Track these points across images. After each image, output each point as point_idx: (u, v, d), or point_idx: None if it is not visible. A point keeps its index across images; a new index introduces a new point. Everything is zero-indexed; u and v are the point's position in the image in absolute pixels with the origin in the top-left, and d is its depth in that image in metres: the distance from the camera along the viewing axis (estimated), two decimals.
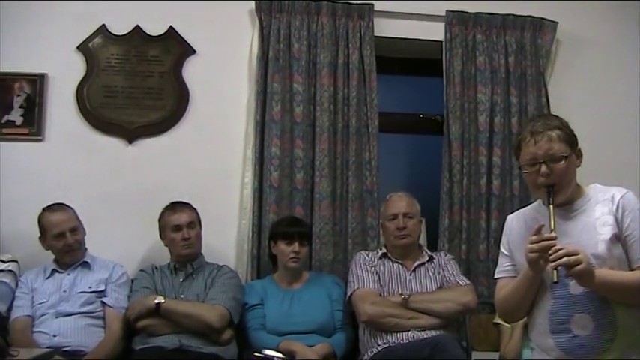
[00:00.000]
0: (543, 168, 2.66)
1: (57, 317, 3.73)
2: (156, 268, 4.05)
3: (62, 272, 3.90)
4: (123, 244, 4.23)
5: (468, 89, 4.63)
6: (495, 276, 2.97)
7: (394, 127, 4.90)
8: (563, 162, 2.67)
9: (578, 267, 2.47)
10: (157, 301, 3.72)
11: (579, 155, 2.77)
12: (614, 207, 2.68)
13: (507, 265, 2.89)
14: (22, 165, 4.30)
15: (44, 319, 3.73)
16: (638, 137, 4.67)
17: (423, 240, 4.40)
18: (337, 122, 4.48)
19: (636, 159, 4.54)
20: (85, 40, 4.43)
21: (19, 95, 4.35)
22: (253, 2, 4.47)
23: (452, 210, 4.50)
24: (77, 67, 4.42)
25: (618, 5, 4.83)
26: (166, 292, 3.89)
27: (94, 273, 3.92)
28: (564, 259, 2.47)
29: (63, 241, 3.84)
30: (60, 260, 3.93)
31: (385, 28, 4.63)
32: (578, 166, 2.77)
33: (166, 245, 4.05)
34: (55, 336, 3.66)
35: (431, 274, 3.97)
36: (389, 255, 4.04)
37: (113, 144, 4.41)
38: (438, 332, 3.67)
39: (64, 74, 4.40)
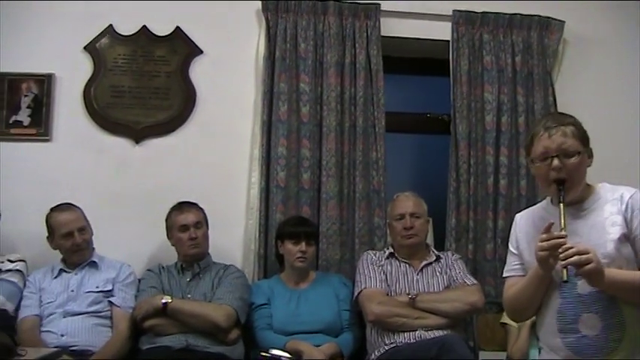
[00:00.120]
0: (555, 162, 2.65)
1: (64, 317, 3.73)
2: (163, 267, 4.05)
3: (70, 272, 3.91)
4: (130, 243, 4.23)
5: (475, 89, 4.63)
6: (504, 275, 2.96)
7: (401, 126, 4.90)
8: (575, 157, 2.67)
9: (589, 266, 2.46)
10: (163, 300, 3.73)
11: (590, 155, 2.76)
12: (623, 207, 2.67)
13: (516, 264, 2.88)
14: (30, 165, 4.31)
15: (52, 319, 3.74)
16: None
17: (430, 240, 4.39)
18: (344, 122, 4.47)
19: None
20: (92, 41, 4.44)
21: (26, 95, 4.36)
22: (260, 2, 4.47)
23: (459, 210, 4.50)
24: (84, 68, 4.43)
25: (625, 5, 4.82)
26: (173, 291, 3.89)
27: (101, 273, 3.92)
28: (575, 257, 2.46)
29: (71, 240, 3.85)
30: (67, 260, 3.94)
31: (392, 27, 4.63)
32: (589, 166, 2.75)
33: (173, 245, 4.06)
34: (62, 335, 3.67)
35: (438, 273, 3.97)
36: (396, 255, 4.03)
37: (120, 144, 4.42)
38: (445, 332, 3.67)
39: (71, 74, 4.41)
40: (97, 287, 3.85)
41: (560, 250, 2.50)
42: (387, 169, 4.48)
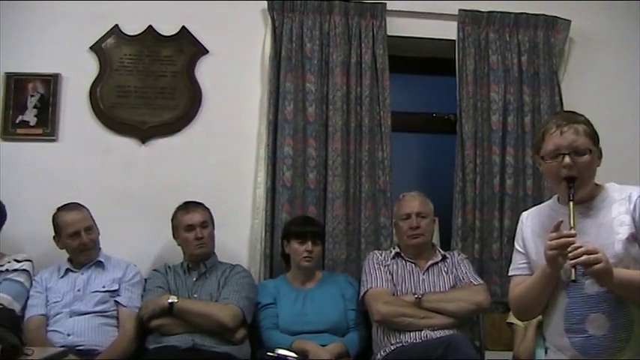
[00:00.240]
0: (567, 159, 2.63)
1: (71, 316, 3.74)
2: (169, 267, 4.06)
3: (76, 272, 3.91)
4: (136, 243, 4.24)
5: (481, 88, 4.62)
6: (509, 273, 2.94)
7: (407, 126, 4.91)
8: (587, 156, 2.65)
9: (598, 266, 2.44)
10: (170, 300, 3.74)
11: (600, 154, 2.75)
12: (632, 206, 2.65)
13: (522, 263, 2.87)
14: (36, 165, 4.32)
15: (58, 319, 3.74)
16: None
17: (436, 239, 4.38)
18: (350, 121, 4.47)
19: None
20: (98, 41, 4.45)
21: (32, 95, 4.37)
22: (266, 2, 4.47)
23: (465, 209, 4.49)
24: (90, 68, 4.44)
25: (631, 4, 4.80)
26: (179, 291, 3.90)
27: (107, 272, 3.93)
28: (584, 257, 2.44)
29: (78, 240, 3.85)
30: (74, 260, 3.94)
31: (398, 27, 4.62)
32: (598, 166, 2.74)
33: (179, 245, 4.06)
34: (69, 335, 3.68)
35: (444, 273, 3.97)
36: (402, 254, 4.03)
37: (126, 144, 4.42)
38: (451, 332, 3.67)
39: (78, 74, 4.42)
40: (104, 287, 3.86)
41: (569, 249, 2.48)
42: (393, 168, 4.48)
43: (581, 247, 2.46)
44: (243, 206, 4.41)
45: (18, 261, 3.89)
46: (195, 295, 3.90)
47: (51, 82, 4.38)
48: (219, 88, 4.52)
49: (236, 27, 4.57)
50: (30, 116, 4.36)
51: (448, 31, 4.64)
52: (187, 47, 4.52)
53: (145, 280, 4.04)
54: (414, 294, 3.81)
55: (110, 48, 4.46)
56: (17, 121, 4.35)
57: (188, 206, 4.05)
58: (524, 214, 2.98)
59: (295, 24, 4.48)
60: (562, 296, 2.69)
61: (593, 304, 2.62)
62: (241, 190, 4.42)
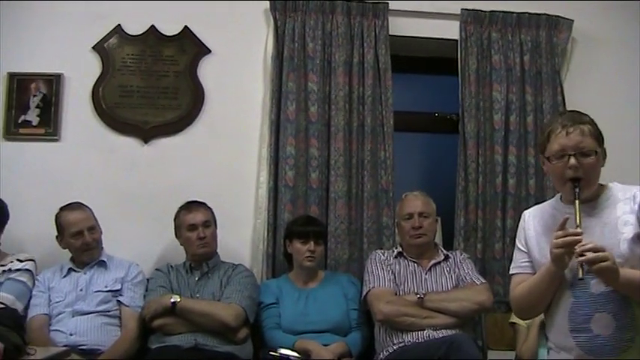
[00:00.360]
0: (572, 160, 2.63)
1: (73, 316, 3.75)
2: (171, 267, 4.06)
3: (79, 271, 3.91)
4: (138, 243, 4.24)
5: (484, 88, 4.62)
6: (510, 272, 2.94)
7: (409, 125, 4.90)
8: (592, 157, 2.65)
9: (604, 264, 2.44)
10: (172, 300, 3.74)
11: (605, 155, 2.75)
12: (636, 206, 2.65)
13: (524, 262, 2.86)
14: (38, 165, 4.33)
15: (61, 318, 3.75)
16: None
17: (438, 239, 4.39)
18: (352, 121, 4.47)
19: None
20: (100, 40, 4.45)
21: (35, 95, 4.37)
22: (268, 2, 4.47)
23: (467, 209, 4.49)
24: (93, 67, 4.44)
25: (634, 4, 4.80)
26: (182, 291, 3.90)
27: (110, 272, 3.93)
28: (591, 255, 2.45)
29: (81, 239, 3.86)
30: (77, 259, 3.95)
31: (400, 26, 4.62)
32: (602, 166, 2.74)
33: (182, 244, 4.06)
34: (71, 335, 3.68)
35: (446, 273, 3.97)
36: (404, 254, 4.03)
37: (128, 144, 4.42)
38: (453, 331, 3.66)
39: (80, 74, 4.42)
40: (106, 286, 3.86)
41: (576, 247, 2.48)
42: (396, 168, 4.47)
43: (588, 244, 2.46)
44: (246, 206, 4.41)
45: (21, 261, 3.89)
46: (198, 295, 3.91)
47: (53, 82, 4.38)
48: (222, 88, 4.52)
49: (238, 27, 4.57)
50: (32, 116, 4.36)
51: (450, 30, 4.64)
52: (190, 47, 4.52)
53: (148, 279, 4.04)
54: (417, 293, 3.81)
55: (112, 48, 4.47)
56: (20, 121, 4.35)
57: (191, 206, 4.06)
58: (527, 212, 2.98)
59: (297, 24, 4.48)
60: (567, 296, 2.68)
61: (599, 303, 2.61)
62: (244, 190, 4.42)
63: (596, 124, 2.73)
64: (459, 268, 3.99)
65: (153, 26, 4.51)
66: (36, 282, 3.87)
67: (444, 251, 4.09)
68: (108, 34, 4.46)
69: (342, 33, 4.50)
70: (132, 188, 4.35)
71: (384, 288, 3.87)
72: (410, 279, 3.93)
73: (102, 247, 4.00)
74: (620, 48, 4.84)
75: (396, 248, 4.09)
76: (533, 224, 2.87)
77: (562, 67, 4.73)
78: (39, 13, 4.43)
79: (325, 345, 3.76)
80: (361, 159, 4.46)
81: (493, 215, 4.52)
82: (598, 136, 2.70)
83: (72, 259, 3.97)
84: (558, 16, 4.70)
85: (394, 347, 3.70)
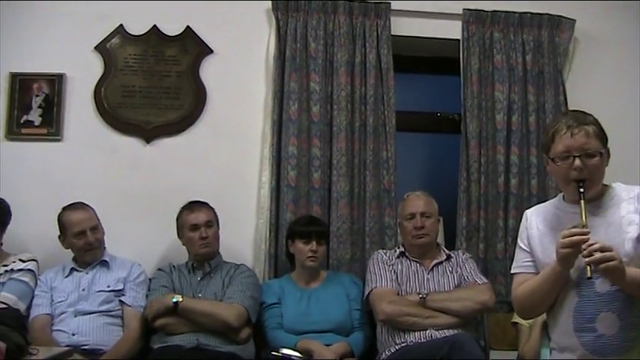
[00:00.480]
0: (577, 162, 2.63)
1: (76, 316, 3.75)
2: (174, 267, 4.06)
3: (81, 271, 3.92)
4: (141, 243, 4.24)
5: (486, 87, 4.62)
6: (512, 271, 2.93)
7: (411, 125, 4.90)
8: (597, 158, 2.65)
9: (612, 263, 2.44)
10: (174, 299, 3.74)
11: (609, 155, 2.74)
12: None
13: (526, 261, 2.85)
14: (41, 165, 4.33)
15: (63, 318, 3.75)
16: None
17: (440, 239, 4.39)
18: (354, 121, 4.47)
19: None
20: (102, 41, 4.45)
21: (37, 95, 4.37)
22: (270, 2, 4.47)
23: (469, 209, 4.49)
24: (95, 68, 4.44)
25: (637, 4, 4.79)
26: (184, 291, 3.90)
27: (112, 272, 3.93)
28: (598, 255, 2.44)
29: (84, 239, 3.86)
30: (79, 259, 3.95)
31: (402, 26, 4.62)
32: (607, 166, 2.73)
33: (184, 244, 4.06)
34: (73, 334, 3.69)
35: (449, 272, 3.96)
36: (407, 254, 4.03)
37: (131, 144, 4.43)
38: (455, 331, 3.66)
39: (82, 74, 4.43)
40: (108, 286, 3.86)
41: (583, 247, 2.48)
42: (398, 168, 4.47)
43: (595, 244, 2.46)
44: (248, 206, 4.41)
45: (23, 261, 3.89)
46: (200, 295, 3.91)
47: (56, 82, 4.38)
48: (224, 88, 4.52)
49: (240, 27, 4.57)
50: (35, 116, 4.36)
51: (452, 30, 4.64)
52: (192, 47, 4.52)
53: (150, 279, 4.04)
54: (419, 293, 3.81)
55: (115, 48, 4.47)
56: (22, 121, 4.36)
57: (193, 206, 4.06)
58: (529, 211, 2.97)
59: (300, 24, 4.48)
60: (572, 295, 2.67)
61: (604, 303, 2.61)
62: (246, 190, 4.42)
63: (600, 124, 2.72)
64: (461, 268, 3.98)
65: (155, 26, 4.51)
66: (38, 282, 3.88)
67: (446, 251, 4.09)
68: (110, 34, 4.47)
69: (344, 33, 4.51)
70: (134, 188, 4.35)
71: (386, 288, 3.87)
72: (412, 279, 3.93)
73: (104, 247, 4.00)
74: (623, 48, 4.83)
75: (399, 248, 4.09)
76: (536, 223, 2.86)
77: (564, 66, 4.72)
78: (41, 13, 4.43)
79: (327, 345, 3.76)
80: (363, 159, 4.46)
81: (495, 215, 4.52)
82: (602, 137, 2.70)
83: (74, 259, 3.97)
84: (560, 16, 4.69)
85: (396, 347, 3.70)
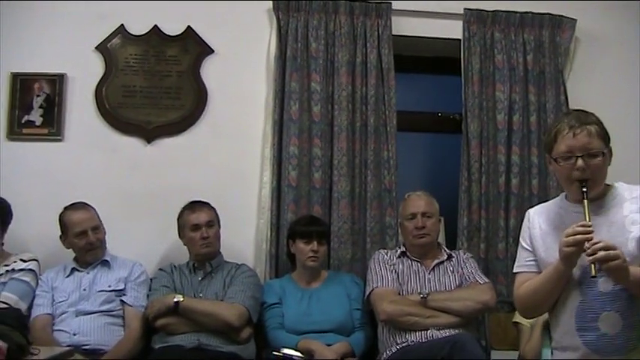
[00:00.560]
0: (580, 162, 2.63)
1: (77, 316, 3.75)
2: (175, 267, 4.06)
3: (82, 271, 3.92)
4: (142, 243, 4.24)
5: (487, 87, 4.62)
6: (515, 270, 2.93)
7: (412, 125, 4.90)
8: (599, 158, 2.65)
9: (615, 262, 2.44)
10: (175, 299, 3.74)
11: (611, 154, 2.74)
12: None
13: (529, 260, 2.85)
14: (42, 165, 4.33)
15: (64, 318, 3.75)
16: None
17: (441, 239, 4.39)
18: (355, 121, 4.47)
19: None
20: (103, 41, 4.45)
21: (38, 95, 4.37)
22: (271, 2, 4.47)
23: (470, 209, 4.49)
24: (96, 68, 4.44)
25: (637, 3, 4.79)
26: (185, 290, 3.90)
27: (113, 272, 3.93)
28: (602, 253, 2.44)
29: (85, 239, 3.86)
30: (80, 259, 3.95)
31: (403, 26, 4.62)
32: (609, 165, 2.73)
33: (185, 244, 4.06)
34: (75, 334, 3.68)
35: (450, 272, 3.96)
36: (408, 254, 4.03)
37: (132, 144, 4.43)
38: (456, 331, 3.66)
39: (83, 74, 4.43)
40: (109, 286, 3.86)
41: (587, 245, 2.48)
42: (399, 168, 4.47)
43: (599, 243, 2.46)
44: (249, 206, 4.41)
45: (24, 260, 3.89)
46: (201, 295, 3.91)
47: (57, 82, 4.38)
48: (225, 88, 4.52)
49: (241, 27, 4.57)
50: (36, 116, 4.37)
51: (453, 30, 4.64)
52: (193, 47, 4.52)
53: (151, 279, 4.04)
54: (420, 293, 3.80)
55: (116, 48, 4.47)
56: (23, 121, 4.36)
57: (194, 206, 4.06)
58: (531, 211, 2.97)
59: (300, 24, 4.48)
60: (574, 294, 2.67)
61: (607, 302, 2.61)
62: (247, 190, 4.42)
63: (602, 124, 2.72)
64: (462, 268, 3.98)
65: (156, 26, 4.51)
66: (39, 282, 3.88)
67: (447, 251, 4.09)
68: (111, 34, 4.47)
69: (345, 33, 4.51)
70: (135, 188, 4.35)
71: (387, 288, 3.87)
72: (413, 279, 3.93)
73: (105, 247, 4.00)
74: (624, 47, 4.83)
75: (399, 248, 4.09)
76: (539, 222, 2.86)
77: (565, 66, 4.72)
78: (42, 13, 4.43)
79: (328, 345, 3.76)
80: (364, 159, 4.46)
81: (496, 215, 4.51)
82: (605, 136, 2.70)
83: (75, 259, 3.97)
84: (561, 16, 4.69)
85: (397, 347, 3.70)
